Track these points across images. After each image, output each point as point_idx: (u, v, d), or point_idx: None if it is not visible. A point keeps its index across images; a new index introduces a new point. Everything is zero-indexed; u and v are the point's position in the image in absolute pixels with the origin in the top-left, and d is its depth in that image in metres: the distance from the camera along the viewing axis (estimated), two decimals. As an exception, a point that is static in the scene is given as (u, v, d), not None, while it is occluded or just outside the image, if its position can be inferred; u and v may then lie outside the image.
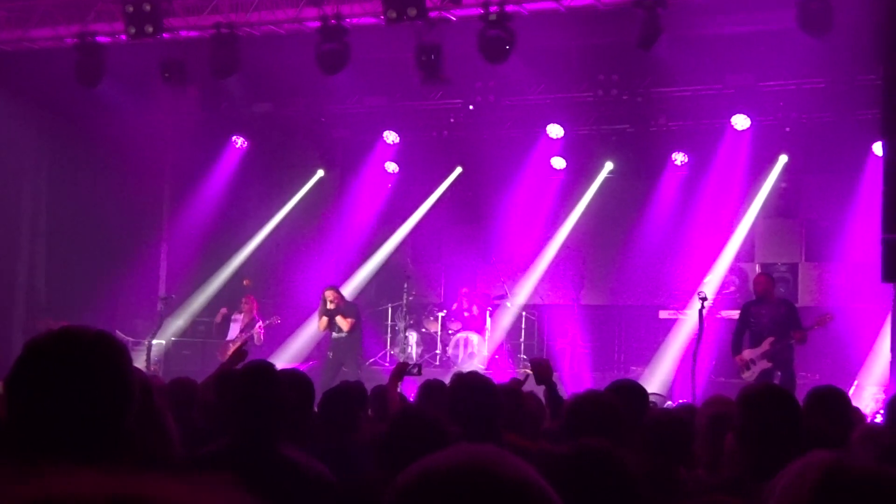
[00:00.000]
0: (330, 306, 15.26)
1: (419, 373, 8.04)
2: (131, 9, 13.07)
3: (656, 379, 15.49)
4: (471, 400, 5.38)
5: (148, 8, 12.97)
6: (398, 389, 7.48)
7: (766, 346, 12.43)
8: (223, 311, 16.96)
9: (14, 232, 16.88)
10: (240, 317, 16.60)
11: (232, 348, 15.93)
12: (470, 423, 5.20)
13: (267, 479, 4.33)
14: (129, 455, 2.35)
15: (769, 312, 12.63)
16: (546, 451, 5.57)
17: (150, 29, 13.02)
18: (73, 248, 17.39)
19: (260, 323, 16.37)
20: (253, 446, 4.43)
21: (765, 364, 12.42)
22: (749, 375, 12.43)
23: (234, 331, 16.51)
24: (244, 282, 18.31)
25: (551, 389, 7.19)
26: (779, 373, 12.37)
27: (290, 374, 5.42)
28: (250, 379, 4.65)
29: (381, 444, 4.43)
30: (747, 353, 12.59)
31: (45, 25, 14.31)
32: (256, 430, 4.45)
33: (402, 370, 7.67)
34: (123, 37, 13.40)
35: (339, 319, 15.19)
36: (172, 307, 17.80)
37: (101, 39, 13.78)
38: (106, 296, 16.83)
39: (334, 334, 15.34)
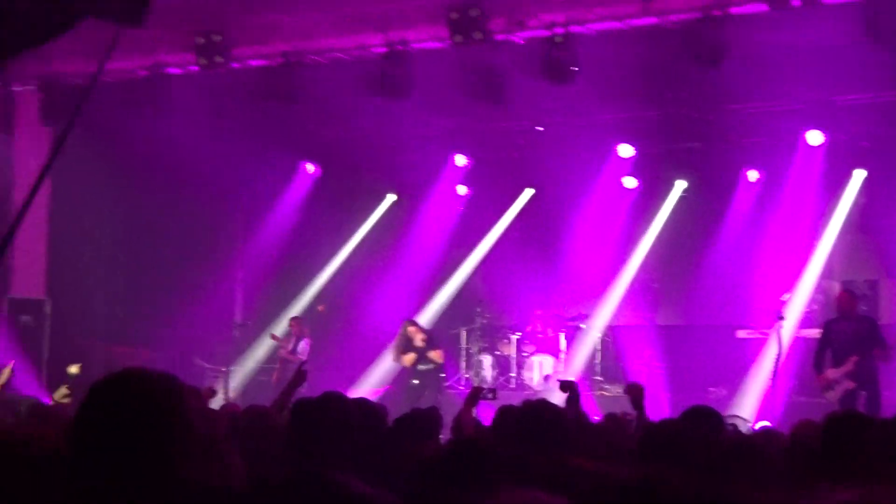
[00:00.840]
0: (420, 344, 15.51)
1: (494, 397, 8.00)
2: (202, 40, 13.28)
3: (735, 400, 15.26)
4: (537, 426, 5.34)
5: (217, 39, 13.17)
6: (473, 414, 7.45)
7: (849, 365, 12.09)
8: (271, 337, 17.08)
9: (93, 262, 17.17)
10: (288, 342, 16.72)
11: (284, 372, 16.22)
12: (536, 447, 5.16)
13: None
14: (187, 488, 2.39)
15: (852, 330, 12.31)
16: (607, 474, 5.51)
17: (220, 59, 13.21)
18: (150, 276, 17.64)
19: (305, 340, 16.51)
20: (319, 474, 4.42)
21: (848, 384, 12.08)
22: (832, 395, 12.16)
23: (283, 355, 16.67)
24: (318, 307, 18.43)
25: (641, 414, 7.24)
26: (864, 392, 12.05)
27: (361, 403, 5.41)
28: (319, 407, 4.66)
29: (435, 470, 4.40)
30: (830, 373, 12.28)
31: (117, 58, 14.55)
32: (324, 457, 4.46)
33: (476, 395, 7.65)
34: (194, 67, 13.60)
35: (431, 354, 15.40)
36: (248, 334, 17.99)
37: (172, 71, 13.99)
38: (183, 323, 17.02)
39: (420, 366, 15.52)
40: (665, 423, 5.40)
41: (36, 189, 3.52)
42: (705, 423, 5.82)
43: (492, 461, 4.26)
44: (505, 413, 6.84)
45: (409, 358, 15.53)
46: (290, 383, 7.92)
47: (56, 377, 15.37)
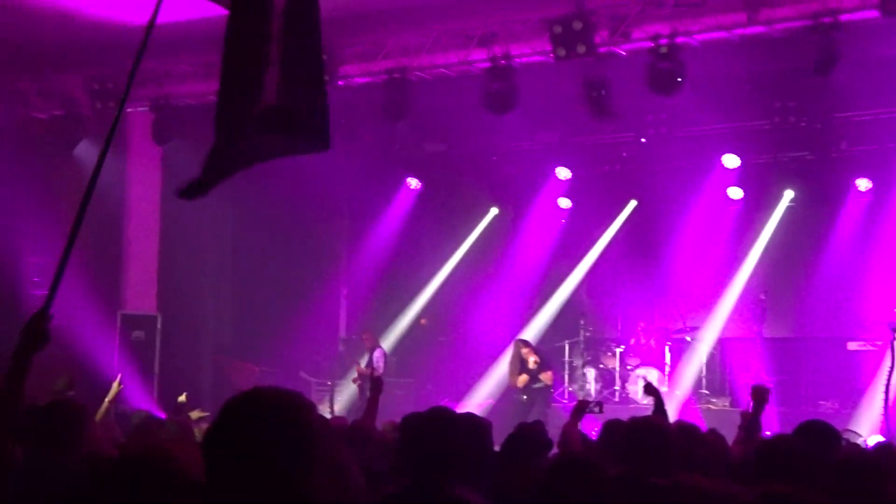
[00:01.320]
0: (533, 366, 15.70)
1: (601, 411, 7.94)
2: (309, 59, 13.46)
3: (847, 414, 14.94)
4: (643, 443, 5.29)
5: (325, 57, 13.33)
6: (578, 428, 7.42)
7: None
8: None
9: (202, 278, 17.52)
10: (361, 357, 16.89)
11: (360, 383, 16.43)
12: (642, 464, 5.12)
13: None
14: None
15: None
16: (728, 493, 5.44)
17: (327, 78, 13.37)
18: (256, 290, 17.94)
19: (378, 351, 16.61)
20: (430, 489, 4.45)
21: None
22: None
23: (359, 371, 16.82)
24: (420, 321, 18.54)
25: (756, 416, 7.14)
26: None
27: (469, 418, 5.42)
28: (429, 422, 4.68)
29: (540, 488, 4.40)
30: None
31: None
32: (433, 472, 4.48)
33: (582, 409, 7.60)
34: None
35: (542, 376, 15.55)
36: (353, 348, 18.17)
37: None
38: (289, 337, 17.27)
39: (533, 385, 15.79)
40: (780, 439, 5.31)
41: (92, 186, 3.65)
42: (821, 438, 5.71)
43: (600, 479, 4.24)
44: (612, 428, 6.80)
45: (523, 379, 15.75)
46: (371, 396, 8.07)
47: (166, 391, 15.70)
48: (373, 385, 8.24)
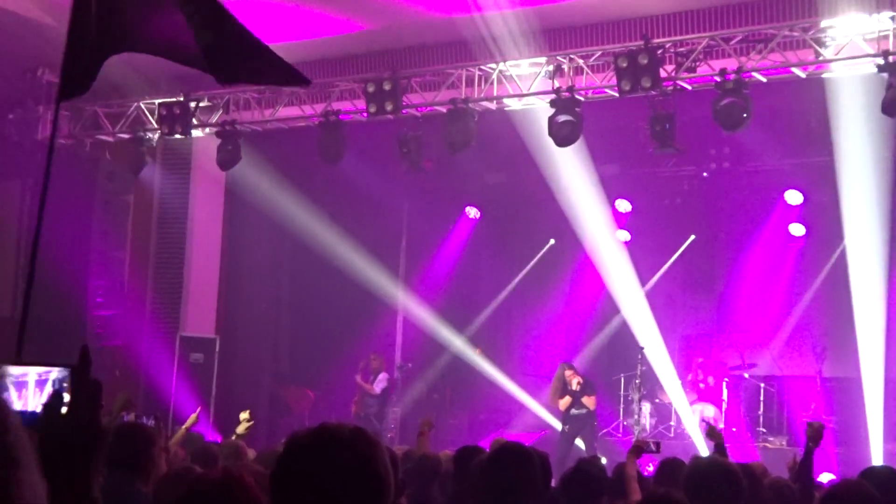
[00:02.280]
0: (576, 388, 15.47)
1: (658, 451, 7.85)
2: (372, 88, 13.58)
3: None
4: (710, 484, 5.22)
5: (388, 87, 13.45)
6: (636, 469, 7.34)
7: None
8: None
9: (259, 301, 17.65)
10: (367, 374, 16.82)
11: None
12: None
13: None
14: None
15: None
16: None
17: (390, 107, 13.48)
18: (313, 316, 18.03)
19: (384, 375, 16.57)
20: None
21: None
22: None
23: (359, 381, 16.79)
24: (476, 350, 18.52)
25: (809, 454, 7.05)
26: None
27: (537, 452, 5.40)
28: (504, 456, 4.68)
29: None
30: None
31: (291, 105, 15.05)
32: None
33: (640, 448, 7.53)
34: (364, 115, 13.92)
35: (585, 399, 15.36)
36: (409, 375, 18.19)
37: (344, 117, 14.35)
38: (344, 363, 17.31)
39: (573, 410, 15.46)
40: (848, 484, 5.23)
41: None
42: (888, 484, 5.61)
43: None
44: (672, 467, 6.74)
45: (565, 402, 15.53)
46: (420, 434, 8.13)
47: (222, 414, 15.81)
48: (423, 424, 8.29)
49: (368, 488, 2.38)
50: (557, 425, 17.38)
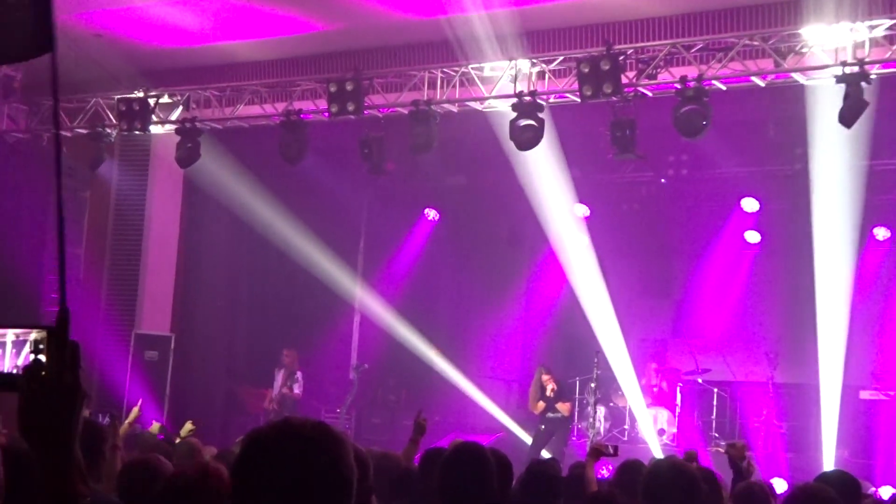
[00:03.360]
0: (550, 394, 15.64)
1: (616, 454, 7.91)
2: (334, 88, 13.55)
3: (857, 463, 14.87)
4: (668, 488, 5.26)
5: (350, 87, 13.43)
6: (593, 470, 7.39)
7: None
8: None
9: (215, 299, 17.55)
10: (279, 371, 16.59)
11: (272, 401, 16.20)
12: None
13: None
14: None
15: None
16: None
17: (352, 107, 13.45)
18: (270, 317, 17.96)
19: (297, 375, 16.40)
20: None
21: None
22: None
23: (277, 381, 16.56)
24: (433, 351, 18.52)
25: (737, 472, 7.16)
26: None
27: (497, 454, 5.43)
28: (461, 457, 4.70)
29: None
30: None
31: (252, 104, 14.99)
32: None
33: (598, 451, 7.57)
34: (326, 115, 13.89)
35: (559, 406, 15.58)
36: (365, 376, 18.15)
37: (305, 117, 14.31)
38: (301, 363, 17.26)
39: (549, 414, 15.67)
40: (810, 488, 5.28)
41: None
42: (843, 489, 5.67)
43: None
44: (630, 469, 6.79)
45: (540, 406, 15.70)
46: (413, 438, 8.07)
47: (177, 411, 15.73)
48: (419, 427, 8.22)
49: (333, 484, 2.33)
50: (514, 427, 17.45)
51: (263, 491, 2.31)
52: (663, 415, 17.03)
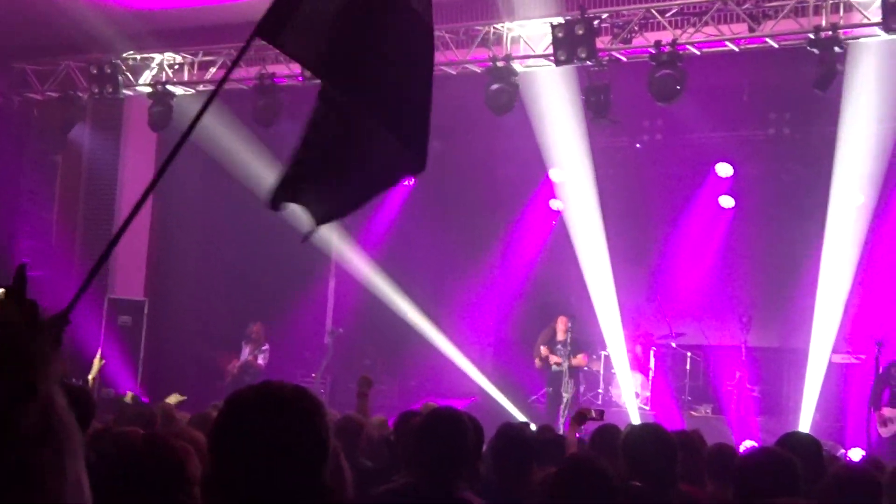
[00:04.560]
0: (561, 340, 15.46)
1: (601, 418, 7.92)
2: (308, 52, 13.45)
3: (829, 426, 15.03)
4: (645, 451, 5.29)
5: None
6: (576, 436, 7.41)
7: None
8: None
9: (191, 266, 17.49)
10: (247, 345, 16.52)
11: (236, 366, 16.14)
12: (646, 473, 5.13)
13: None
14: None
15: None
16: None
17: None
18: (245, 280, 17.90)
19: (265, 347, 16.37)
20: (433, 488, 4.48)
21: None
22: (885, 432, 12.69)
23: (244, 352, 16.53)
24: (407, 316, 18.52)
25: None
26: None
27: (471, 419, 5.45)
28: (436, 422, 4.70)
29: (549, 490, 4.41)
30: (886, 412, 12.75)
31: (226, 67, 14.87)
32: (438, 472, 4.50)
33: (583, 415, 7.59)
34: (300, 79, 13.81)
35: (575, 360, 15.51)
36: (340, 340, 18.15)
37: (279, 81, 14.22)
38: (276, 329, 17.24)
39: (554, 368, 15.53)
40: (765, 451, 5.32)
41: (143, 199, 3.37)
42: (803, 451, 5.71)
43: (610, 488, 4.25)
44: (606, 433, 6.82)
45: (543, 351, 15.48)
46: (360, 393, 8.14)
47: (151, 377, 15.71)
48: (362, 383, 8.31)
49: (310, 446, 2.35)
50: (492, 391, 17.50)
51: (242, 452, 2.32)
52: (637, 379, 17.13)
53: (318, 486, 2.37)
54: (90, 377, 9.12)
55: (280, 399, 2.38)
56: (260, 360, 16.16)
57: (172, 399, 9.43)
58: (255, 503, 2.31)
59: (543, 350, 15.47)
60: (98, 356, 9.74)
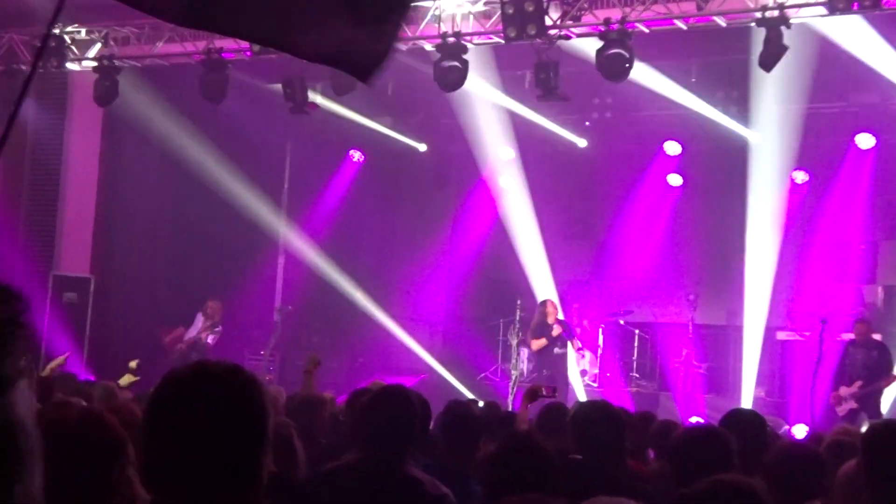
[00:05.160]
0: (555, 334, 15.06)
1: (554, 395, 7.93)
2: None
3: (774, 402, 15.23)
4: (596, 428, 5.32)
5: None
6: (527, 412, 7.43)
7: (854, 388, 12.83)
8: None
9: (138, 242, 17.29)
10: (203, 319, 16.26)
11: (185, 342, 15.94)
12: (595, 450, 5.16)
13: (392, 498, 4.39)
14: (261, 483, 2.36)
15: (863, 356, 12.97)
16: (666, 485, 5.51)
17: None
18: (193, 256, 17.74)
19: (220, 328, 16.22)
20: (381, 465, 4.48)
21: (852, 404, 12.81)
22: (840, 410, 12.88)
23: (196, 325, 16.35)
24: (356, 294, 18.50)
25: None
26: (865, 414, 12.61)
27: (419, 396, 5.45)
28: (385, 399, 4.70)
29: (489, 467, 4.42)
30: (843, 390, 12.93)
31: (173, 41, 14.70)
32: (386, 449, 4.50)
33: (535, 392, 7.60)
34: (248, 54, 13.68)
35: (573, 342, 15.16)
36: (289, 318, 18.09)
37: (227, 56, 14.07)
38: (224, 305, 17.12)
39: (556, 349, 15.15)
40: (699, 429, 5.37)
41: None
42: (748, 427, 5.75)
43: (550, 464, 4.26)
44: (553, 411, 6.85)
45: (540, 343, 15.15)
46: (307, 370, 8.12)
47: (97, 355, 15.55)
48: (309, 360, 8.28)
49: (246, 423, 2.32)
50: (439, 369, 17.54)
51: (175, 430, 2.30)
52: (586, 356, 17.23)
53: (253, 462, 2.33)
54: (49, 368, 9.00)
55: (215, 375, 2.36)
56: (209, 340, 16.00)
57: (125, 380, 9.32)
58: (187, 479, 2.28)
59: (538, 344, 15.23)
60: (64, 357, 9.64)
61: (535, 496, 2.92)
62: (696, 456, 4.46)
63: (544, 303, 15.60)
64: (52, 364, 9.13)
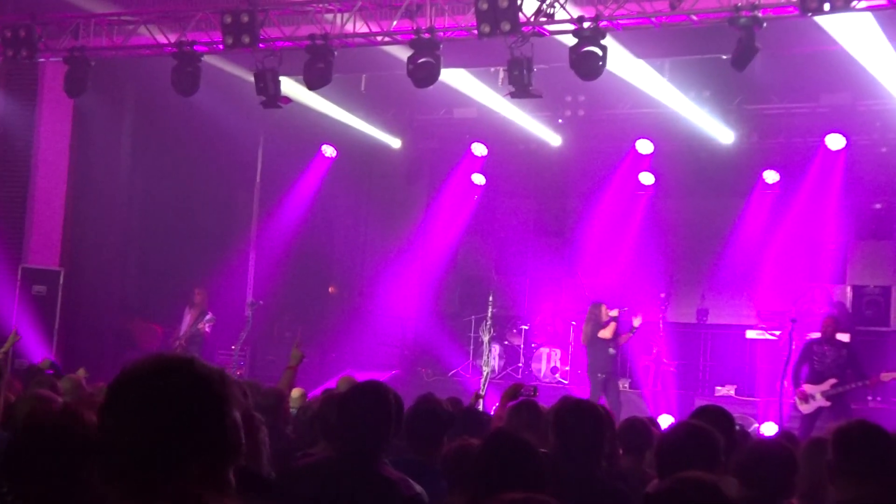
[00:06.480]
0: (607, 318, 14.69)
1: (534, 394, 7.90)
2: (229, 19, 13.24)
3: (743, 401, 15.31)
4: (577, 426, 5.29)
5: (245, 19, 13.13)
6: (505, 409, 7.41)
7: (826, 386, 12.80)
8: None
9: (109, 235, 17.19)
10: (190, 310, 16.26)
11: (176, 336, 15.91)
12: (575, 447, 5.14)
13: (365, 496, 4.37)
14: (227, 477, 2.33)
15: (833, 354, 12.95)
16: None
17: (247, 40, 13.16)
18: (164, 250, 17.66)
19: (210, 315, 16.22)
20: (355, 462, 4.46)
21: (823, 402, 12.78)
22: (806, 409, 12.86)
23: (185, 322, 16.36)
24: (329, 289, 18.47)
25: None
26: (833, 413, 12.55)
27: (394, 393, 5.42)
28: (359, 395, 4.67)
29: (472, 463, 4.40)
30: (808, 388, 12.90)
31: (144, 34, 14.59)
32: (361, 446, 4.48)
33: (516, 391, 7.58)
34: (220, 47, 13.59)
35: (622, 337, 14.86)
36: (260, 313, 18.01)
37: (199, 48, 13.98)
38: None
39: (611, 349, 14.76)
40: (685, 426, 5.38)
41: None
42: (716, 423, 5.76)
43: (535, 461, 4.24)
44: (524, 409, 6.83)
45: (610, 329, 14.71)
46: (291, 366, 8.07)
47: (66, 348, 15.44)
48: (293, 356, 8.22)
49: (205, 414, 2.27)
50: (413, 364, 17.53)
51: (133, 419, 2.25)
52: (557, 353, 17.27)
53: (212, 452, 2.28)
54: (2, 350, 8.91)
55: (173, 367, 2.30)
56: (207, 329, 15.96)
57: (81, 372, 9.27)
58: (141, 467, 2.23)
59: (609, 331, 14.72)
60: (14, 332, 9.55)
61: (521, 494, 2.91)
62: (682, 454, 4.45)
63: (598, 305, 15.11)
64: (6, 345, 9.05)
